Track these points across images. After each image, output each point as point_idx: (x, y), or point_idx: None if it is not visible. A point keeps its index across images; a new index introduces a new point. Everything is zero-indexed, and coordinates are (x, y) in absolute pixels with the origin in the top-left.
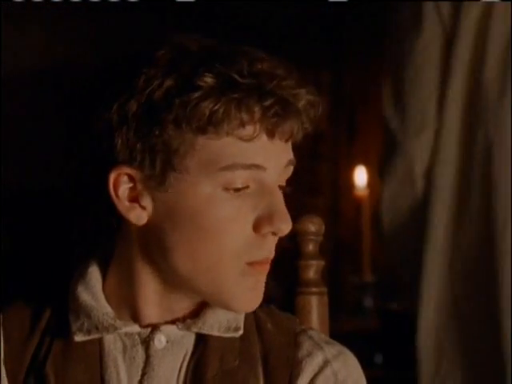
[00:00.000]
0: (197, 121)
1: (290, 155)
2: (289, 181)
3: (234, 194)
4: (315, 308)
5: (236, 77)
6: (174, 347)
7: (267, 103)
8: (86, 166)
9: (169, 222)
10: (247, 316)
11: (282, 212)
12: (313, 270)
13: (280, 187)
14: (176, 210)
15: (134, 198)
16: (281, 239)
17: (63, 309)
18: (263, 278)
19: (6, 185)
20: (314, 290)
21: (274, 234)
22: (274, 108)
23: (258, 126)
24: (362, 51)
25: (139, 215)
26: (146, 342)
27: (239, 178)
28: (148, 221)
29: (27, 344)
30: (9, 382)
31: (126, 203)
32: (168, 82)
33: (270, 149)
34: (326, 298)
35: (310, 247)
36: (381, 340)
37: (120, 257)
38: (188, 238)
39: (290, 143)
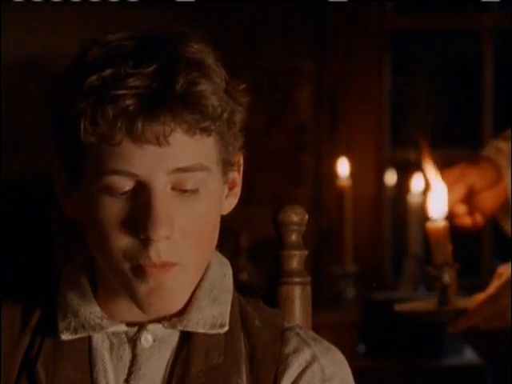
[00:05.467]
0: (69, 124)
1: (178, 162)
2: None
3: (120, 196)
4: (298, 298)
5: (108, 80)
6: (160, 346)
7: (122, 104)
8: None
9: (83, 220)
10: (234, 312)
11: (153, 219)
12: (296, 260)
13: (184, 190)
14: (81, 208)
15: (66, 191)
16: (266, 229)
17: (53, 307)
18: (161, 285)
19: None
20: (297, 280)
21: (147, 239)
22: (129, 108)
23: (118, 129)
24: (344, 41)
25: (70, 208)
26: (133, 341)
27: (117, 181)
28: (79, 216)
29: (18, 342)
30: (1, 379)
31: (61, 196)
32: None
33: (139, 154)
34: (308, 288)
35: (293, 237)
36: (363, 330)
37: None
38: (89, 236)
39: (176, 147)
